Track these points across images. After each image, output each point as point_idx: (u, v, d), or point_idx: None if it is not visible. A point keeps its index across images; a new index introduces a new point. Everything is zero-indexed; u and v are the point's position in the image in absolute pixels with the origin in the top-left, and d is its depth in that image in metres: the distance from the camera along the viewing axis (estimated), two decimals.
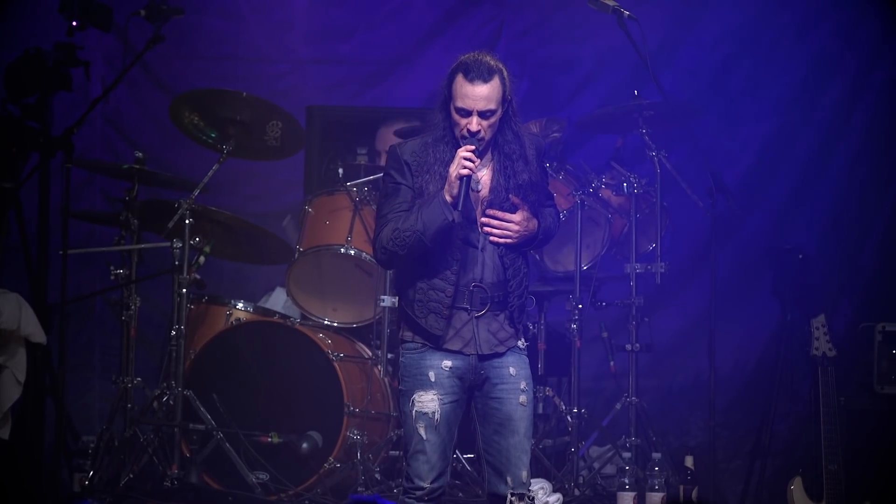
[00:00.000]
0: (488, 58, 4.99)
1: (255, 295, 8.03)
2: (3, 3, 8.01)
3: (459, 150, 4.94)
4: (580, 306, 7.25)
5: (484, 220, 5.03)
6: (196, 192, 7.04)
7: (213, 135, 7.31)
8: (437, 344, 5.02)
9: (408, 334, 5.08)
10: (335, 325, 7.35)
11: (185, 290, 7.02)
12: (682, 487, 6.86)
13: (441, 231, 4.93)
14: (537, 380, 7.37)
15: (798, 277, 7.34)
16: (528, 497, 5.07)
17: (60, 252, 6.36)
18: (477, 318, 5.04)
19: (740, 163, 8.23)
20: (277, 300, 7.83)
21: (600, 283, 7.39)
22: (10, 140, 6.45)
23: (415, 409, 5.01)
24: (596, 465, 7.32)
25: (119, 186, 7.38)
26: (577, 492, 7.00)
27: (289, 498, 6.84)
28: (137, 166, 7.10)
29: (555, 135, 7.48)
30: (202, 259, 7.10)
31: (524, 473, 5.05)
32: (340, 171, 7.43)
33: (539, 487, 6.76)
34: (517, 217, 5.04)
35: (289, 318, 7.34)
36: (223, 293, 7.60)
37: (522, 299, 5.11)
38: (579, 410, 7.17)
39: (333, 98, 8.45)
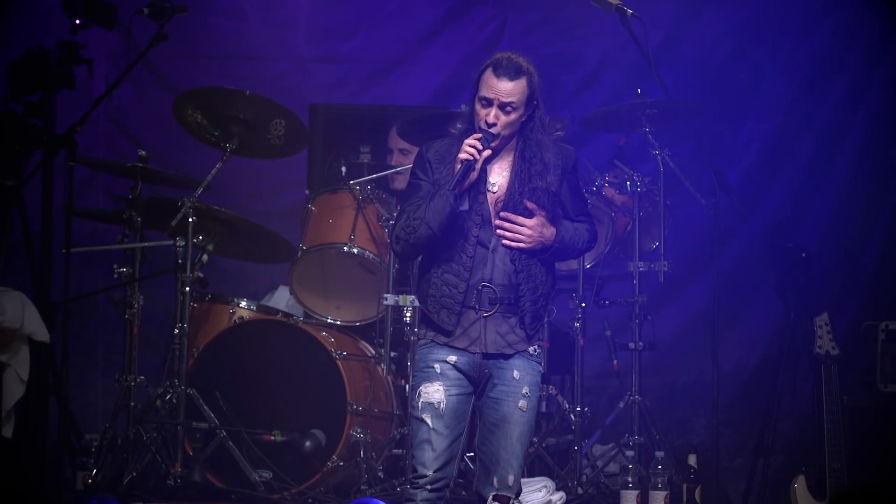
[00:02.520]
0: (521, 59, 5.09)
1: (258, 293, 8.03)
2: (6, 2, 8.01)
3: (468, 138, 5.00)
4: (583, 304, 7.25)
5: (497, 221, 5.06)
6: (199, 191, 7.04)
7: (216, 133, 7.31)
8: (446, 337, 5.05)
9: (421, 331, 5.16)
10: (338, 323, 7.34)
11: (188, 289, 7.02)
12: (685, 486, 6.87)
13: (447, 220, 4.98)
14: (541, 378, 7.37)
15: (801, 276, 7.35)
16: (513, 501, 5.07)
17: (63, 250, 6.37)
18: (485, 317, 5.06)
19: (743, 161, 8.24)
20: (280, 298, 7.83)
21: (603, 282, 7.40)
22: (13, 138, 6.47)
23: (421, 399, 5.05)
24: (599, 464, 7.32)
25: (122, 185, 7.38)
26: (580, 490, 7.00)
27: (292, 496, 6.84)
28: (140, 164, 7.10)
29: (558, 133, 7.47)
30: (205, 257, 7.10)
31: (511, 477, 5.05)
32: (343, 169, 7.43)
33: (542, 486, 6.76)
34: (530, 222, 5.06)
35: (292, 316, 7.34)
36: (226, 291, 7.60)
37: (538, 306, 5.11)
38: (582, 409, 7.18)
39: (336, 96, 8.45)
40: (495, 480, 5.04)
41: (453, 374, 5.07)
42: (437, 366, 5.06)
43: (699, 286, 7.98)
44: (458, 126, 5.21)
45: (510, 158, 5.12)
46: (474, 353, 5.05)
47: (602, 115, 7.60)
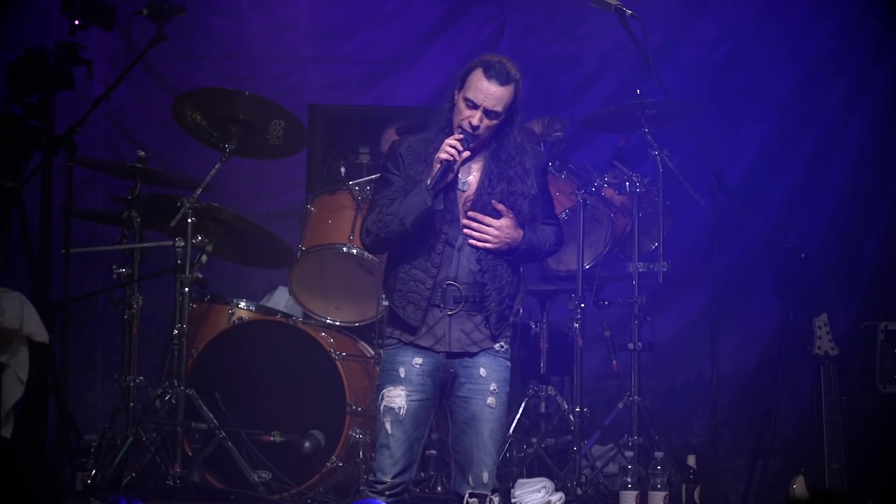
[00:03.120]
0: (510, 65, 5.12)
1: (258, 294, 8.03)
2: (5, 2, 8.01)
3: (449, 138, 5.01)
4: (583, 305, 7.25)
5: (465, 221, 5.09)
6: (198, 191, 7.04)
7: (215, 134, 7.31)
8: (412, 334, 5.07)
9: (388, 329, 5.23)
10: (337, 324, 7.34)
11: (187, 289, 7.02)
12: (684, 486, 6.87)
13: (421, 217, 5.01)
14: (540, 379, 7.38)
15: (800, 276, 7.35)
16: (489, 499, 5.10)
17: (63, 251, 6.36)
18: (450, 316, 5.10)
19: (742, 162, 8.23)
20: (280, 299, 7.83)
21: (603, 283, 7.40)
22: (12, 139, 6.46)
23: (383, 403, 5.14)
24: (598, 464, 7.32)
25: (121, 185, 7.39)
26: (579, 491, 7.00)
27: (291, 497, 6.84)
28: (140, 165, 7.10)
29: (557, 134, 7.48)
30: (204, 258, 7.10)
31: (485, 474, 5.10)
32: (342, 169, 7.44)
33: (541, 486, 6.77)
34: (498, 223, 5.09)
35: (291, 317, 7.34)
36: (225, 292, 7.61)
37: (503, 306, 5.14)
38: (582, 409, 7.17)
39: (335, 97, 8.45)
40: (470, 479, 5.10)
41: (417, 378, 5.12)
42: (401, 369, 5.12)
43: (698, 287, 7.99)
44: (437, 123, 5.22)
45: (482, 159, 5.15)
46: (439, 353, 5.10)
47: (601, 115, 7.60)
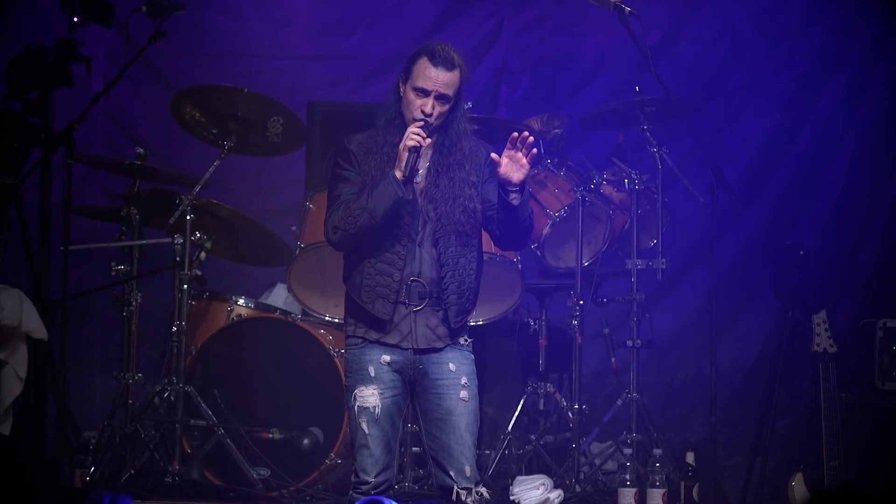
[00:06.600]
0: (453, 51, 5.14)
1: (256, 291, 8.03)
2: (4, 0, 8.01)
3: (410, 126, 5.02)
4: (581, 302, 7.25)
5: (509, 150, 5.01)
6: (197, 188, 7.04)
7: (214, 131, 7.31)
8: (381, 330, 5.07)
9: (350, 327, 5.19)
10: (336, 320, 7.34)
11: (186, 286, 7.02)
12: (683, 483, 6.87)
13: (392, 209, 5.00)
14: (539, 376, 7.39)
15: (799, 273, 7.35)
16: (476, 492, 5.10)
17: (62, 248, 6.35)
18: (415, 312, 5.09)
19: (741, 159, 8.24)
20: (278, 296, 7.82)
21: (601, 280, 7.40)
22: (11, 136, 6.45)
23: (357, 404, 5.11)
24: (597, 462, 7.33)
25: (120, 182, 7.39)
26: (578, 488, 7.00)
27: (290, 494, 6.85)
28: (139, 162, 7.10)
29: (556, 131, 7.49)
30: (203, 255, 7.10)
31: (467, 468, 5.10)
32: None
33: (540, 483, 6.77)
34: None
35: (290, 314, 7.34)
36: (224, 289, 7.61)
37: (464, 299, 5.14)
38: (580, 406, 7.18)
39: (334, 94, 8.45)
40: (453, 473, 5.10)
41: (388, 376, 5.11)
42: (371, 368, 5.11)
43: (697, 284, 7.99)
44: (384, 117, 5.22)
45: (429, 150, 5.17)
46: (406, 349, 5.10)
47: (600, 112, 7.60)
